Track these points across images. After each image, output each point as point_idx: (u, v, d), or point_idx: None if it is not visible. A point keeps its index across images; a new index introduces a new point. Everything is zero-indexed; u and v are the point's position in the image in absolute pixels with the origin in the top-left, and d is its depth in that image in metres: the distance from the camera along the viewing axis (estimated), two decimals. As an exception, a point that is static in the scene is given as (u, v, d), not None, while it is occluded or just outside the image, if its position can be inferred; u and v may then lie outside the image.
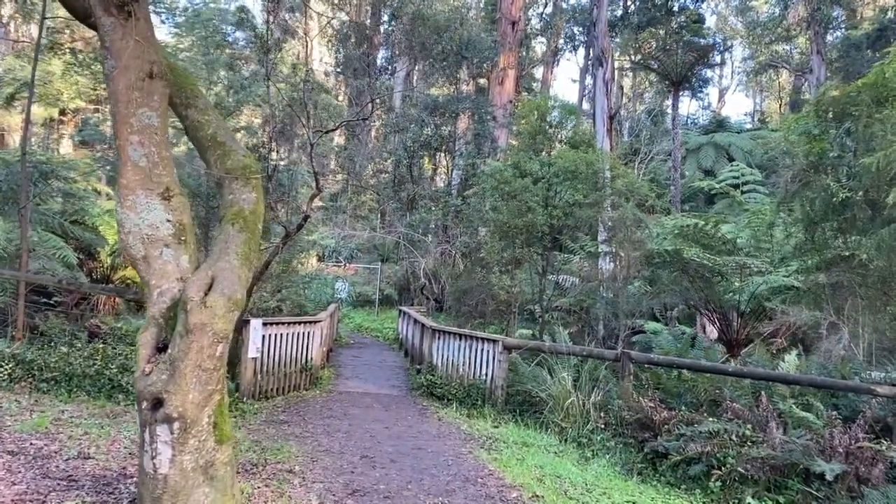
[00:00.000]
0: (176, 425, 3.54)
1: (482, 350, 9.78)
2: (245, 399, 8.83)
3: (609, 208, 12.40)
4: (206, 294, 3.59)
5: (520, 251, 11.28)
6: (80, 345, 8.83)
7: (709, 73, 34.97)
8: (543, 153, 11.47)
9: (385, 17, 39.65)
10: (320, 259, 27.54)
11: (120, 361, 8.25)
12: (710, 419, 7.12)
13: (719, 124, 36.83)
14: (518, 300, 12.21)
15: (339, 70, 41.44)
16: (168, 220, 3.82)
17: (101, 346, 8.49)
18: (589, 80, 44.71)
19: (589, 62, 41.87)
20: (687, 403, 7.77)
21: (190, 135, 4.33)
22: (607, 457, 7.41)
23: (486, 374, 9.66)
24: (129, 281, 17.77)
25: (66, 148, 27.74)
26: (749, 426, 6.86)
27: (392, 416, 8.75)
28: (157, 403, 3.57)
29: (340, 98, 41.42)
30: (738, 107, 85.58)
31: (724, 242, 12.15)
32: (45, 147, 25.64)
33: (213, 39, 10.43)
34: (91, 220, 16.54)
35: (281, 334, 9.58)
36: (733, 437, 6.75)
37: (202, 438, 3.64)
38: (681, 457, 6.69)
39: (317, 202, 37.39)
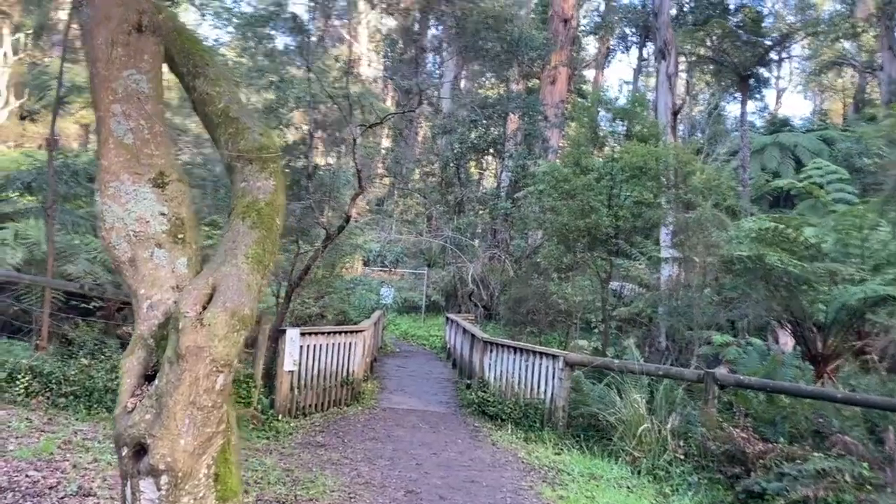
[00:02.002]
0: (164, 479, 2.71)
1: (540, 366, 8.81)
2: (280, 416, 8.05)
3: (671, 209, 11.30)
4: (204, 308, 2.75)
5: (581, 255, 10.27)
6: (107, 354, 8.18)
7: (765, 73, 33.29)
8: (606, 148, 10.46)
9: (433, 20, 39.17)
10: (366, 264, 26.90)
11: (145, 374, 7.55)
12: (816, 454, 6.02)
13: (782, 124, 34.99)
14: (579, 310, 11.18)
15: (386, 74, 41.04)
16: (162, 213, 3.00)
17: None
18: (642, 81, 43.30)
19: (642, 63, 40.53)
20: (784, 434, 6.66)
21: (198, 110, 3.52)
22: (690, 494, 6.37)
23: (545, 393, 8.69)
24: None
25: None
26: (865, 464, 5.75)
27: (441, 439, 7.86)
28: (141, 450, 2.74)
29: (388, 102, 40.97)
30: (794, 109, 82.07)
31: (806, 247, 10.94)
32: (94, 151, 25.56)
33: (252, 28, 9.78)
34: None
35: (320, 345, 8.79)
36: (847, 479, 5.65)
37: (199, 496, 2.80)
38: (784, 500, 5.62)
39: (363, 206, 37.02)
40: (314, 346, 8.66)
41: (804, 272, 9.50)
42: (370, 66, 44.69)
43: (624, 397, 7.72)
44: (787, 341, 14.28)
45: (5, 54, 27.59)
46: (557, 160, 16.80)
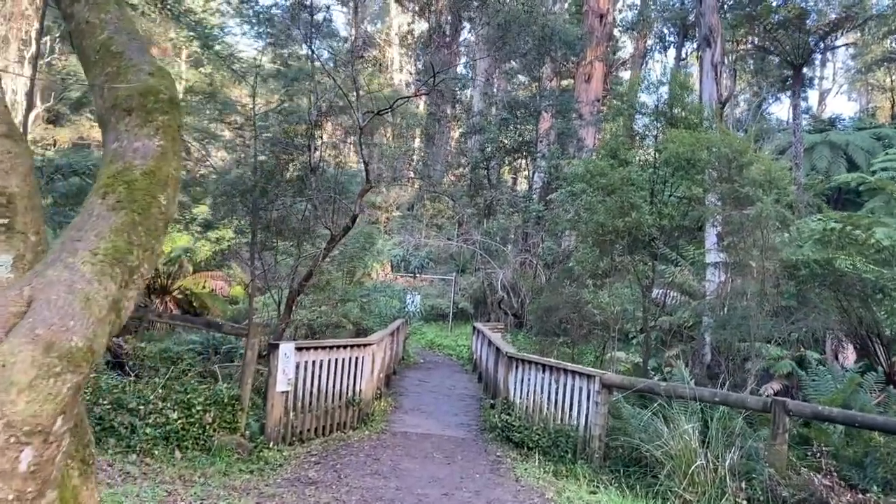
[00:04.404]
0: None
1: (573, 387, 7.61)
2: (271, 444, 7.01)
3: (722, 206, 10.02)
4: (7, 334, 1.68)
5: (620, 259, 9.05)
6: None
7: (808, 73, 31.67)
8: (648, 138, 9.26)
9: (465, 22, 38.36)
10: (393, 269, 25.96)
11: (116, 395, 6.59)
12: (923, 510, 4.76)
13: (829, 124, 33.27)
14: (618, 321, 9.94)
15: (418, 78, 40.28)
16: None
17: (91, 375, 6.84)
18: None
19: (680, 63, 38.97)
20: (877, 480, 5.37)
21: (75, 44, 2.51)
22: (757, 551, 5.15)
23: (579, 419, 7.49)
24: (187, 291, 16.64)
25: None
26: None
27: (455, 474, 6.72)
28: None
29: (420, 107, 40.24)
30: (838, 111, 79.11)
31: (878, 250, 9.57)
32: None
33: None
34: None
35: (320, 361, 7.72)
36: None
37: None
38: (886, 572, 4.37)
39: (393, 211, 36.11)
40: (313, 362, 7.59)
41: (882, 279, 8.17)
42: (403, 71, 44.13)
43: (672, 427, 6.50)
44: (847, 355, 12.87)
45: (34, 57, 27.29)
46: (594, 156, 15.57)
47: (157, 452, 6.20)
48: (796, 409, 5.78)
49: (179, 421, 6.55)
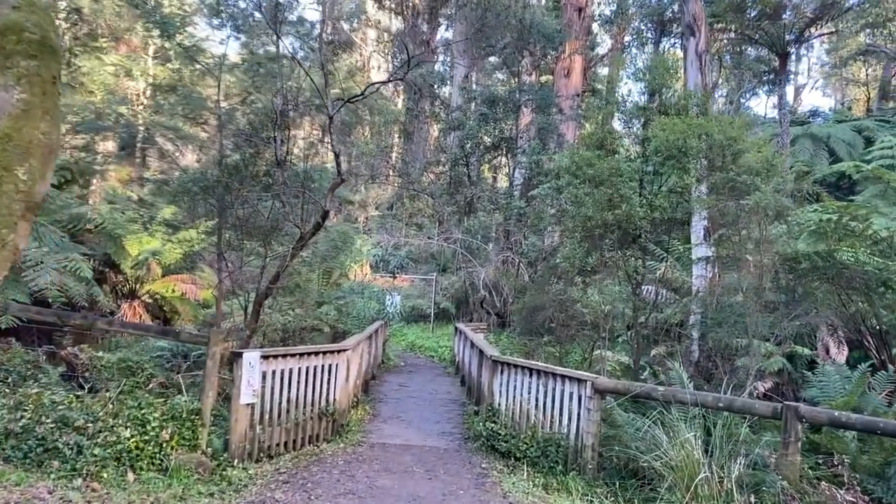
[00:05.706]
0: None
1: (562, 392, 7.08)
2: (236, 462, 6.39)
3: (715, 197, 9.57)
4: None
5: (609, 255, 8.54)
6: (21, 385, 6.60)
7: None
8: (636, 127, 8.78)
9: (442, 19, 38.00)
10: (373, 268, 25.36)
11: (61, 413, 5.94)
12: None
13: (812, 115, 33.30)
14: (608, 321, 9.42)
15: (394, 74, 39.73)
16: None
17: (33, 391, 6.18)
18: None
19: (662, 54, 38.76)
20: (901, 492, 4.90)
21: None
22: (771, 573, 4.65)
23: (570, 427, 6.96)
24: (157, 295, 15.94)
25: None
26: None
27: (438, 490, 6.16)
28: None
29: (399, 104, 39.75)
30: (814, 106, 79.73)
31: (875, 241, 9.18)
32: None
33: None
34: (116, 229, 14.77)
35: (290, 370, 7.11)
36: None
37: None
38: None
39: (372, 210, 35.40)
40: (281, 371, 6.98)
41: (886, 271, 7.76)
42: (379, 70, 43.55)
43: (671, 435, 5.99)
44: (838, 351, 12.54)
45: None
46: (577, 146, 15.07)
47: (106, 475, 5.57)
48: (810, 415, 5.27)
49: (133, 439, 5.93)
